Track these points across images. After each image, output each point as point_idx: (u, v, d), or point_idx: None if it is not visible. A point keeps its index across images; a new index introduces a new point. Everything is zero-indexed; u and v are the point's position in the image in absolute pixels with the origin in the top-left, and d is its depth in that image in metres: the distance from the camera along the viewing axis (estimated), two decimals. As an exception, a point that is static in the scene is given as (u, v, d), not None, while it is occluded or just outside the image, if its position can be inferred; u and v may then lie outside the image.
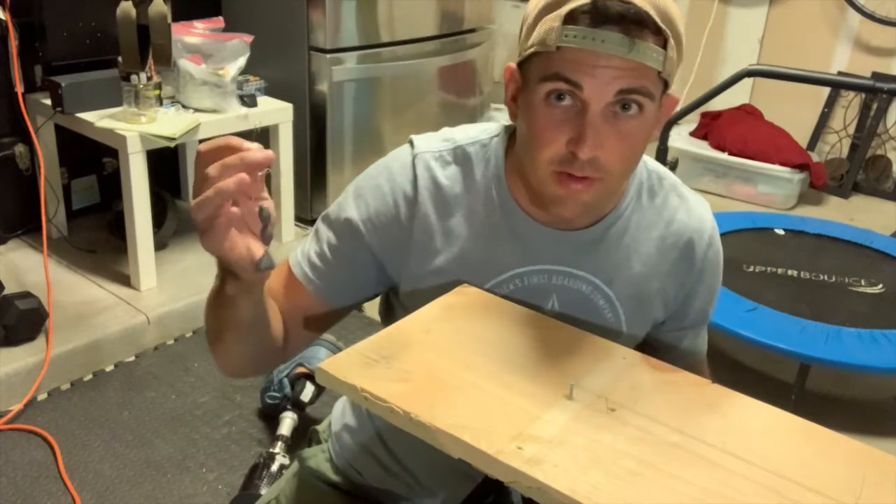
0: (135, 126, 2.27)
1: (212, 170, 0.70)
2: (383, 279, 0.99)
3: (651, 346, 1.05)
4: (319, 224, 1.00)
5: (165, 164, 2.91)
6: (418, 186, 0.95)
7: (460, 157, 0.96)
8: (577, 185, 0.84)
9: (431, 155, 0.96)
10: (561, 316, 0.96)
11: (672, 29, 0.81)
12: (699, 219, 1.00)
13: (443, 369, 0.79)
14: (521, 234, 0.95)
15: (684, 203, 1.00)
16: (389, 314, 1.06)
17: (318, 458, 1.17)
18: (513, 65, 0.90)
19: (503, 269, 0.95)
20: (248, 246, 0.74)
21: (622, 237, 0.97)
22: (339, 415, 1.17)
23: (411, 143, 0.98)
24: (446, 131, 1.00)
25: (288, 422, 1.93)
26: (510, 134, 0.96)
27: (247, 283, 0.80)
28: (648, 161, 1.00)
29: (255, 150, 0.71)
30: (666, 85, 0.86)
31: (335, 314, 1.01)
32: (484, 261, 0.95)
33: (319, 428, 1.23)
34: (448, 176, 0.95)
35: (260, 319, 0.88)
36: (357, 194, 0.97)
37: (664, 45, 0.81)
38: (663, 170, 1.02)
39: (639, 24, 0.78)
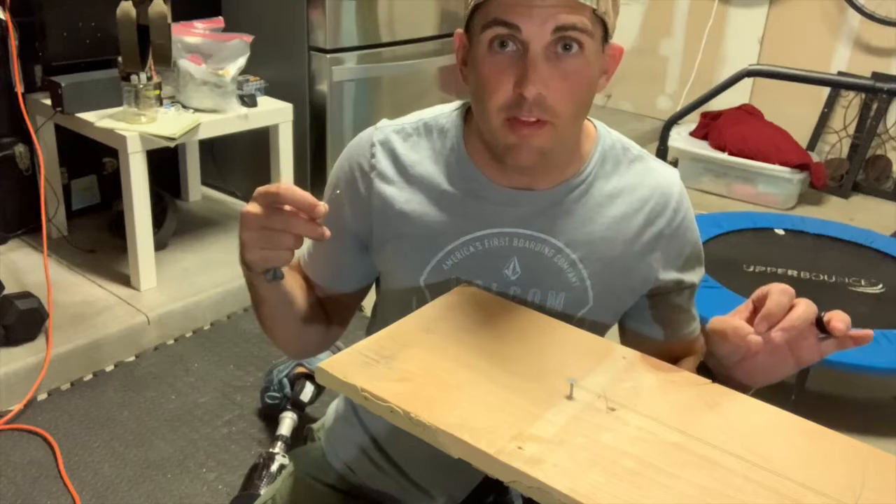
0: (135, 126, 2.27)
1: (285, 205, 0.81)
2: (367, 257, 1.03)
3: (642, 315, 1.04)
4: None
5: (165, 164, 2.92)
6: (376, 156, 1.00)
7: (422, 129, 1.01)
8: (527, 130, 0.87)
9: (392, 129, 1.01)
10: (522, 279, 0.97)
11: None
12: (666, 186, 1.00)
13: (443, 369, 0.79)
14: (482, 196, 0.97)
15: (650, 172, 1.00)
16: (375, 309, 1.11)
17: (312, 456, 1.17)
18: (460, 30, 0.94)
19: (462, 231, 0.97)
20: (266, 258, 0.86)
21: (585, 202, 0.97)
22: (333, 413, 1.17)
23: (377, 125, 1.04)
24: (416, 112, 1.04)
25: (288, 422, 1.93)
26: (469, 106, 1.00)
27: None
28: (613, 132, 1.02)
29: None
30: (605, 30, 0.88)
31: (348, 298, 1.07)
32: (444, 225, 0.97)
33: (315, 426, 1.23)
34: (408, 147, 1.00)
35: (284, 301, 0.96)
36: (329, 181, 1.05)
37: None
38: (629, 141, 1.03)
39: None
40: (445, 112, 1.02)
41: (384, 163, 0.99)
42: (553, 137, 0.88)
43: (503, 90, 0.86)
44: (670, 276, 1.01)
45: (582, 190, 0.97)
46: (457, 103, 1.03)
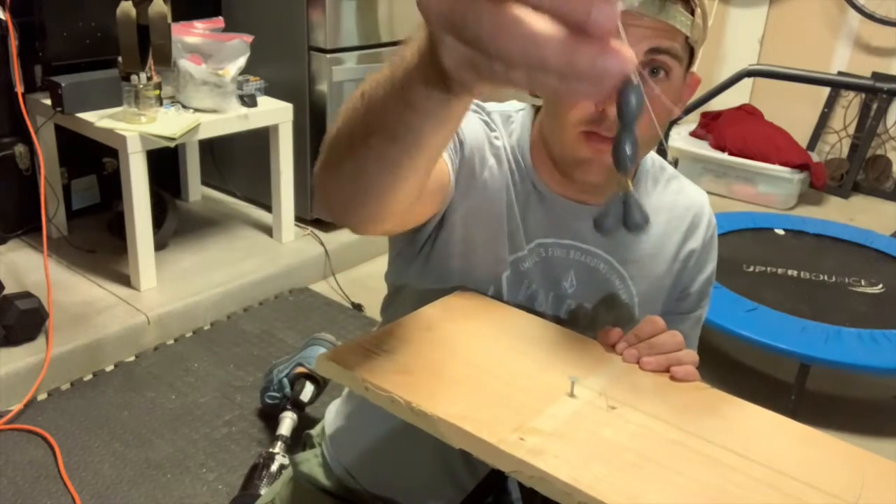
0: (135, 126, 2.27)
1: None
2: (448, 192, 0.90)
3: None
4: None
5: (165, 164, 2.92)
6: (500, 138, 0.96)
7: (499, 120, 0.99)
8: (604, 146, 0.86)
9: (494, 110, 0.99)
10: (577, 292, 0.98)
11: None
12: (699, 203, 1.04)
13: (444, 364, 0.79)
14: (548, 203, 0.96)
15: (684, 191, 1.04)
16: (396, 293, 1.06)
17: (311, 462, 1.17)
18: None
19: (531, 235, 0.96)
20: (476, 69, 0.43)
21: None
22: (333, 418, 1.16)
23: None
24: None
25: (287, 422, 1.93)
26: (535, 111, 0.99)
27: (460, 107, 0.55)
28: (650, 152, 1.03)
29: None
30: (691, 57, 0.88)
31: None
32: (516, 222, 0.95)
33: (313, 432, 1.23)
34: (497, 133, 0.98)
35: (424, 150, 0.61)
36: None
37: (692, 13, 0.84)
38: (663, 160, 1.06)
39: None
40: (508, 110, 1.00)
41: (497, 143, 0.96)
42: None
43: (584, 105, 0.85)
44: (693, 289, 1.05)
45: None
46: (518, 104, 1.02)
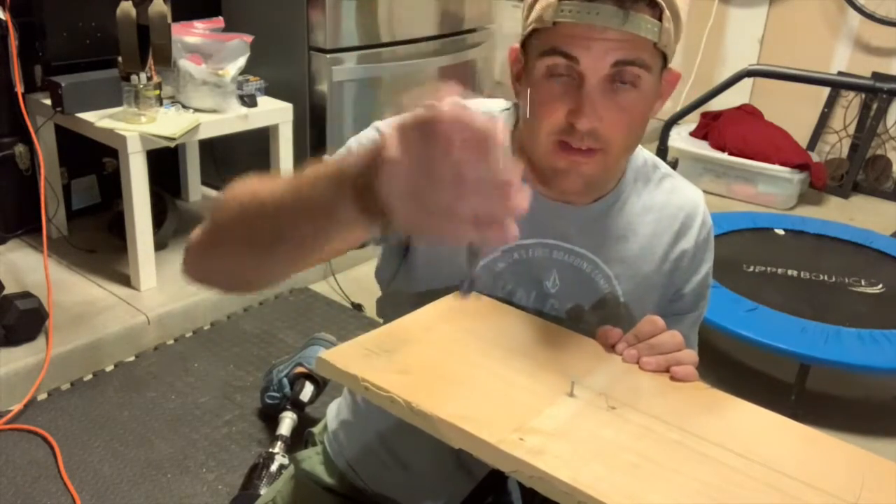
0: (135, 126, 2.27)
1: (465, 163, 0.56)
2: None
3: None
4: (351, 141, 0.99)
5: (165, 164, 2.91)
6: None
7: None
8: (579, 157, 0.86)
9: None
10: (560, 292, 0.97)
11: (668, 1, 0.83)
12: (692, 203, 1.03)
13: (443, 364, 0.80)
14: (531, 203, 0.95)
15: (677, 191, 1.03)
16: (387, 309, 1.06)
17: (313, 460, 1.17)
18: (516, 45, 0.92)
19: None
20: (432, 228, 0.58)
21: (621, 218, 0.99)
22: (336, 414, 1.16)
23: None
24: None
25: (287, 422, 1.93)
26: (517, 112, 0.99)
27: (380, 235, 0.67)
28: (643, 150, 1.03)
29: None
30: (665, 59, 0.87)
31: None
32: None
33: (315, 430, 1.23)
34: None
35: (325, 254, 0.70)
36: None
37: (660, 18, 0.82)
38: (657, 159, 1.05)
39: None
40: (493, 110, 0.99)
41: None
42: (602, 165, 0.89)
43: (556, 116, 0.85)
44: (687, 290, 1.04)
45: (618, 207, 0.98)
46: (503, 102, 1.01)
